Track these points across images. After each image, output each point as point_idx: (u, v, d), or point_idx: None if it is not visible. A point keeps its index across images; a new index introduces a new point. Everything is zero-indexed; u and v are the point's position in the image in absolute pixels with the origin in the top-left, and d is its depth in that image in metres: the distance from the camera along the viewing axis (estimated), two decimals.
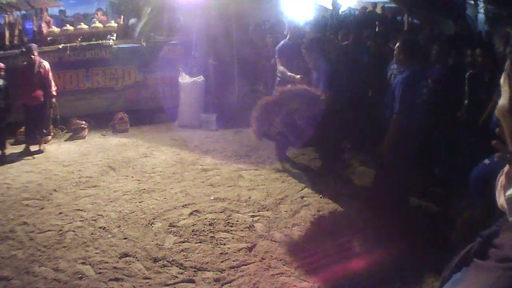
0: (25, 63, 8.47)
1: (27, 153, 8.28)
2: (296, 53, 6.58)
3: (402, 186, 4.83)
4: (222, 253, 4.26)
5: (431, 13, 9.79)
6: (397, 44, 4.88)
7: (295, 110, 5.51)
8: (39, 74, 8.16)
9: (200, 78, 9.45)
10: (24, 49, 8.90)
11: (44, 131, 8.56)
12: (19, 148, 8.58)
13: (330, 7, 13.32)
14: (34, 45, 8.49)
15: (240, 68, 9.50)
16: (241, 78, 9.45)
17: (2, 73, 8.12)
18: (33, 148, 8.35)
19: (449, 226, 4.43)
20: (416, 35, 7.87)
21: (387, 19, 11.88)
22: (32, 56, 8.11)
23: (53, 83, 8.35)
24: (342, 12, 12.28)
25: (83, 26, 10.60)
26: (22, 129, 9.07)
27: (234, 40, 9.59)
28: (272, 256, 4.16)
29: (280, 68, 6.92)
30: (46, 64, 8.33)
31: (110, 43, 10.06)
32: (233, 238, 4.52)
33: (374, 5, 13.65)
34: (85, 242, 4.80)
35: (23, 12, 11.58)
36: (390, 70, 6.13)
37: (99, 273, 4.20)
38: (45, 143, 8.52)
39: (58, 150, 8.42)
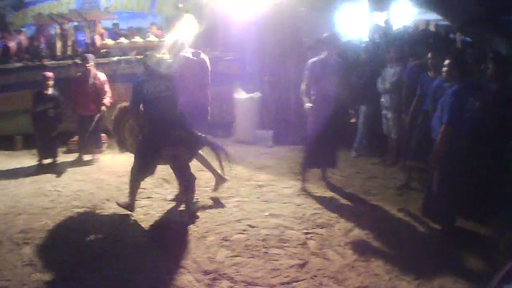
0: (79, 73, 8.83)
1: (79, 162, 8.67)
2: (330, 70, 6.46)
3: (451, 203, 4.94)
4: (273, 269, 4.34)
5: (483, 31, 9.72)
6: (448, 61, 5.09)
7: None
8: (94, 84, 8.51)
9: (257, 95, 9.67)
10: (80, 59, 9.31)
11: (97, 141, 8.92)
12: (71, 157, 8.96)
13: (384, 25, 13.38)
14: (90, 55, 8.87)
15: (295, 86, 9.54)
16: (296, 95, 9.54)
17: (51, 82, 8.46)
18: (86, 157, 8.76)
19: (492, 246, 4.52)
20: (466, 52, 7.90)
21: (441, 36, 11.83)
22: (88, 66, 8.47)
23: (108, 94, 8.67)
24: (396, 30, 12.28)
25: (138, 39, 11.09)
26: (75, 139, 9.47)
27: (289, 57, 9.73)
28: (324, 274, 4.22)
29: (302, 86, 6.68)
30: (102, 75, 8.69)
31: (165, 58, 10.46)
32: (285, 254, 4.61)
33: (427, 22, 13.58)
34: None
35: (75, 23, 12.07)
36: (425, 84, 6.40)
37: (149, 282, 4.34)
38: (98, 154, 8.88)
39: (112, 160, 8.73)
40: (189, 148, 5.89)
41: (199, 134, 5.95)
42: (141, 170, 5.87)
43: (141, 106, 5.77)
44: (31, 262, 4.82)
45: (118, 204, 5.99)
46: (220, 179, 6.59)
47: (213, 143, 6.27)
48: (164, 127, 5.62)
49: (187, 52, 6.54)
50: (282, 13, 9.65)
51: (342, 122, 6.80)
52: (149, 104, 5.65)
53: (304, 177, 6.81)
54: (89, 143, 8.87)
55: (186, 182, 5.88)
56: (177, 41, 7.44)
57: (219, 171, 6.56)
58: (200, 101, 6.58)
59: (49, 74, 8.56)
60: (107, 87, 8.68)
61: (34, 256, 4.96)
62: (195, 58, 6.49)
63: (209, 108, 6.75)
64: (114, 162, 8.61)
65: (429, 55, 6.53)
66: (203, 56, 6.65)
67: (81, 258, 4.85)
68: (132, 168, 5.92)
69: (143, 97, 5.64)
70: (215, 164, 6.57)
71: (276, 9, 9.62)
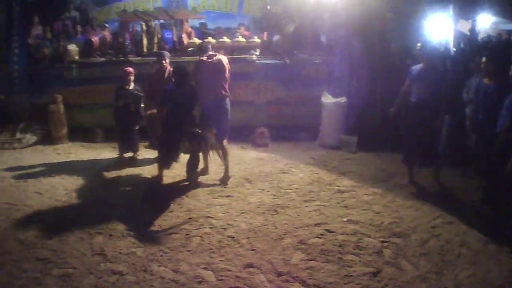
0: (154, 70, 9.01)
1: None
2: (429, 78, 6.94)
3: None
4: (347, 275, 4.41)
5: None
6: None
7: None
8: (168, 81, 8.50)
9: (343, 99, 9.72)
10: (155, 56, 9.44)
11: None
12: (153, 153, 9.08)
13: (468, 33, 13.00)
14: (166, 53, 9.05)
15: (382, 92, 9.61)
16: (383, 101, 9.50)
17: (132, 77, 8.76)
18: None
19: None
20: None
21: None
22: (163, 63, 8.61)
23: None
24: (481, 39, 11.94)
25: (225, 39, 11.29)
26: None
27: (376, 62, 9.76)
28: (395, 283, 4.27)
29: (402, 90, 7.37)
30: None
31: (254, 58, 10.68)
32: (360, 262, 4.68)
33: (510, 32, 13.08)
34: (211, 249, 5.11)
35: (161, 21, 12.39)
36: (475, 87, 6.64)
37: (220, 280, 4.45)
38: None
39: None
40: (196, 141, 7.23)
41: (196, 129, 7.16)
42: (164, 160, 7.35)
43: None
44: (102, 252, 5.07)
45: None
46: (205, 170, 7.72)
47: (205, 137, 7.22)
48: (177, 124, 7.07)
49: (205, 55, 7.49)
50: (370, 18, 9.68)
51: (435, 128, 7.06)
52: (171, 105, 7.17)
53: (411, 173, 7.24)
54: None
55: (194, 161, 7.36)
56: (200, 46, 8.00)
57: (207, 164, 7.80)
58: (216, 95, 7.44)
59: (130, 69, 8.90)
60: None
61: (105, 246, 5.21)
62: (211, 60, 7.42)
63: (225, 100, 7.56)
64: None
65: (483, 59, 6.53)
66: (219, 57, 7.53)
67: (153, 252, 5.06)
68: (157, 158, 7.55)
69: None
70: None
71: (365, 14, 9.65)
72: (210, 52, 7.65)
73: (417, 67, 7.19)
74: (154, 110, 8.23)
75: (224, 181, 7.45)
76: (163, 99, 7.36)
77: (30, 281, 4.52)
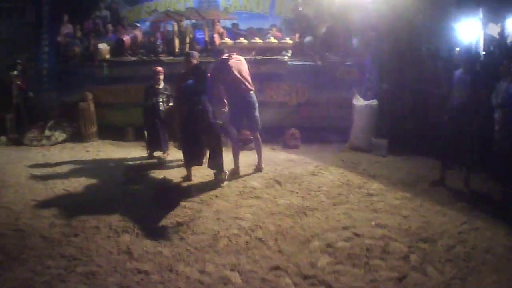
0: (183, 70, 8.89)
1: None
2: (467, 82, 7.07)
3: None
4: (372, 280, 4.47)
5: None
6: None
7: None
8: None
9: (374, 102, 9.74)
10: (184, 56, 9.35)
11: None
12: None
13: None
14: (194, 53, 8.81)
15: (413, 94, 9.66)
16: (413, 104, 9.60)
17: (162, 77, 8.92)
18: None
19: None
20: None
21: None
22: (191, 62, 8.44)
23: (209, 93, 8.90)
24: (510, 42, 11.76)
25: (257, 40, 11.40)
26: None
27: (407, 65, 9.76)
28: None
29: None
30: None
31: (285, 59, 10.82)
32: (386, 266, 4.72)
33: None
34: (238, 250, 5.16)
35: (193, 21, 12.50)
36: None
37: (246, 281, 4.50)
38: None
39: (225, 158, 8.77)
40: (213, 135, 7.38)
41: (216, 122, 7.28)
42: (189, 158, 7.58)
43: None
44: (128, 251, 5.17)
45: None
46: (234, 170, 7.78)
47: (227, 131, 7.38)
48: (193, 120, 7.26)
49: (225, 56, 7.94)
50: (400, 20, 9.70)
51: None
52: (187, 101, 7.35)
53: (443, 174, 7.34)
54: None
55: (216, 159, 7.39)
56: (217, 49, 8.18)
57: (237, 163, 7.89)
58: (245, 90, 7.84)
59: (160, 68, 9.09)
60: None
61: (132, 245, 5.31)
62: (233, 59, 7.83)
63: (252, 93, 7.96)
64: (226, 161, 8.49)
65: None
66: (238, 56, 8.08)
67: (179, 252, 5.14)
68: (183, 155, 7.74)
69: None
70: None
71: (395, 17, 9.68)
72: (227, 53, 7.98)
73: (457, 72, 7.31)
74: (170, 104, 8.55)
75: (259, 169, 7.94)
76: (183, 94, 7.52)
77: (53, 277, 4.61)
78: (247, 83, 7.80)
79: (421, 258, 4.90)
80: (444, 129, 7.45)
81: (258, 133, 7.97)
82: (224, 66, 7.68)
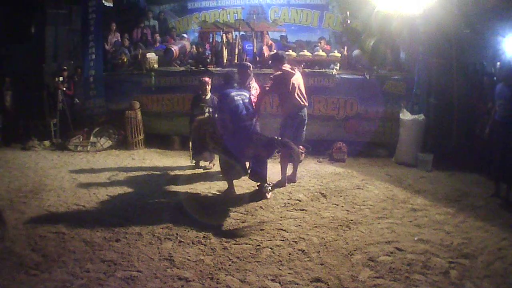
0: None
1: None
2: (508, 97, 7.23)
3: None
4: None
5: None
6: None
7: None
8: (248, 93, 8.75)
9: (421, 117, 9.80)
10: (238, 67, 9.38)
11: None
12: None
13: None
14: (247, 64, 8.91)
15: (459, 109, 9.68)
16: (460, 119, 9.64)
17: (209, 87, 9.05)
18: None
19: None
20: None
21: None
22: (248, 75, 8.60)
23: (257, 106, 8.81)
24: None
25: (306, 53, 11.55)
26: None
27: (454, 80, 9.78)
28: None
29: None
30: (255, 86, 8.66)
31: (334, 72, 10.91)
32: (426, 281, 4.78)
33: None
34: (280, 261, 5.19)
35: (242, 33, 12.57)
36: None
37: None
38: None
39: (271, 170, 8.76)
40: (266, 148, 7.30)
41: (274, 137, 7.24)
42: (231, 170, 7.55)
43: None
44: (170, 257, 5.26)
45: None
46: (281, 182, 7.88)
47: (286, 145, 7.19)
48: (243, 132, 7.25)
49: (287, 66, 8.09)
50: (448, 35, 9.74)
51: None
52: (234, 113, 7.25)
53: (497, 187, 7.50)
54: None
55: (261, 172, 7.50)
56: (278, 55, 8.36)
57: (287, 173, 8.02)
58: (304, 105, 8.12)
59: (207, 79, 9.25)
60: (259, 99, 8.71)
61: (174, 252, 5.40)
62: (294, 71, 7.99)
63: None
64: (275, 172, 8.72)
65: None
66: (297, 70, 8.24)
67: (221, 261, 5.21)
68: (222, 168, 7.78)
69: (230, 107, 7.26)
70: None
71: (443, 31, 9.72)
72: (287, 63, 8.15)
73: (499, 85, 7.45)
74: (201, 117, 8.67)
75: (292, 179, 8.33)
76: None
77: (91, 281, 4.70)
78: (305, 98, 8.10)
79: (461, 274, 4.94)
80: (489, 142, 7.56)
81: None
82: (287, 77, 7.83)
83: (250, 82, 8.28)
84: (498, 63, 9.70)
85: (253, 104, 7.77)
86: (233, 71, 8.18)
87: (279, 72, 7.92)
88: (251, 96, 7.82)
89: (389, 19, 10.80)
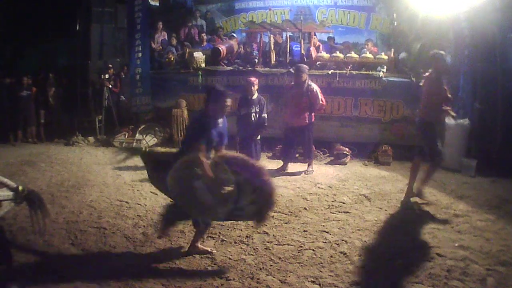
0: (293, 83, 9.43)
1: (282, 170, 9.43)
2: None
3: None
4: None
5: None
6: None
7: None
8: (306, 96, 9.04)
9: (466, 121, 9.85)
10: (293, 69, 9.89)
11: (309, 152, 9.54)
12: (276, 164, 9.74)
13: None
14: (304, 66, 9.42)
15: (504, 115, 9.66)
16: (504, 125, 9.62)
17: (256, 87, 9.15)
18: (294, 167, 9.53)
19: None
20: None
21: None
22: (301, 77, 9.05)
23: (319, 105, 9.18)
24: None
25: (353, 55, 11.74)
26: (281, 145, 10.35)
27: (499, 85, 9.75)
28: None
29: None
30: (315, 87, 9.14)
31: (381, 75, 11.07)
32: None
33: None
34: (322, 263, 5.31)
35: (289, 34, 12.78)
36: None
37: None
38: (310, 166, 9.49)
39: (316, 171, 9.39)
40: None
41: None
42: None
43: None
44: (211, 255, 5.43)
45: None
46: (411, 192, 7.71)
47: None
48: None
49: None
50: (493, 38, 9.75)
51: None
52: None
53: None
54: (293, 152, 9.70)
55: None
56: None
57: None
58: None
59: (253, 79, 9.32)
60: (319, 99, 9.17)
61: (215, 250, 5.58)
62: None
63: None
64: (318, 173, 9.29)
65: None
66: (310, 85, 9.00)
67: (263, 261, 5.37)
68: None
69: None
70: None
71: (488, 34, 9.74)
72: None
73: None
74: None
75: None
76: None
77: (132, 276, 4.91)
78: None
79: (497, 281, 5.04)
80: None
81: None
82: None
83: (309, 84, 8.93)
84: None
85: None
86: None
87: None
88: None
89: (435, 22, 10.91)
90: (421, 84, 7.63)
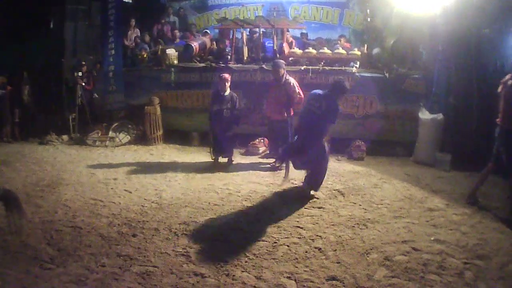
0: (272, 79, 9.35)
1: (271, 166, 9.27)
2: None
3: None
4: None
5: None
6: None
7: None
8: (284, 90, 8.92)
9: (440, 116, 9.79)
10: (268, 65, 9.95)
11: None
12: (249, 160, 9.68)
13: None
14: (281, 61, 9.33)
15: (478, 110, 9.60)
16: (479, 120, 9.55)
17: (228, 84, 9.13)
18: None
19: None
20: None
21: None
22: (279, 72, 8.91)
23: (298, 98, 8.98)
24: None
25: (326, 50, 11.65)
26: (255, 141, 10.45)
27: (473, 80, 9.71)
28: None
29: None
30: (292, 81, 9.03)
31: (353, 70, 10.99)
32: (441, 282, 4.80)
33: None
34: (297, 259, 5.27)
35: (262, 30, 12.61)
36: None
37: None
38: None
39: (289, 167, 8.98)
40: None
41: None
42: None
43: None
44: (186, 253, 5.35)
45: None
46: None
47: None
48: None
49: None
50: (468, 34, 9.68)
51: None
52: None
53: None
54: (277, 148, 9.39)
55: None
56: None
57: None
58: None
59: (226, 75, 9.32)
60: (296, 93, 9.00)
61: (190, 248, 5.49)
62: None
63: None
64: (292, 170, 8.87)
65: None
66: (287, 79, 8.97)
67: (238, 257, 5.29)
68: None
69: None
70: None
71: (462, 30, 9.66)
72: None
73: None
74: None
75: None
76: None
77: (107, 275, 4.81)
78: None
79: (475, 275, 4.96)
80: None
81: None
82: None
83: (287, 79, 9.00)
84: None
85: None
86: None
87: None
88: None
89: (409, 18, 10.82)
90: (499, 90, 7.20)
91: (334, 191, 7.83)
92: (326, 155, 7.44)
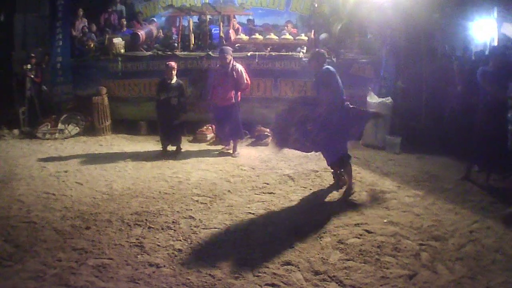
0: (218, 66, 9.26)
1: (221, 154, 9.19)
2: (497, 80, 6.89)
3: None
4: (383, 277, 4.46)
5: None
6: None
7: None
8: (232, 76, 8.82)
9: (388, 100, 9.76)
10: (214, 52, 9.88)
11: (237, 132, 9.26)
12: (197, 147, 9.52)
13: None
14: (228, 48, 9.23)
15: (428, 93, 9.62)
16: (428, 102, 9.58)
17: (175, 72, 9.00)
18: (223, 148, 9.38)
19: None
20: None
21: None
22: (226, 58, 8.78)
23: (245, 84, 8.99)
24: None
25: (272, 36, 11.53)
26: (203, 129, 10.31)
27: (423, 63, 9.72)
28: (430, 287, 4.32)
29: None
30: (239, 67, 8.95)
31: (300, 56, 10.87)
32: (397, 264, 4.72)
33: None
34: (250, 245, 5.18)
35: (209, 17, 12.44)
36: None
37: (257, 276, 4.49)
38: (235, 148, 9.23)
39: (238, 153, 9.20)
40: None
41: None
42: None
43: None
44: (140, 244, 5.20)
45: None
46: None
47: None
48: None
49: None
50: (417, 18, 9.63)
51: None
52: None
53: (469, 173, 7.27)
54: (226, 134, 9.37)
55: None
56: None
57: None
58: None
59: (173, 63, 9.17)
60: (244, 79, 8.96)
61: (143, 238, 5.34)
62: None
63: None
64: (241, 155, 9.10)
65: None
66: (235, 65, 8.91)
67: (192, 246, 5.16)
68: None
69: None
70: None
71: (411, 14, 9.62)
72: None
73: (485, 67, 7.17)
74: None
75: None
76: None
77: (64, 270, 4.63)
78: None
79: (432, 256, 4.90)
80: (476, 125, 7.36)
81: None
82: None
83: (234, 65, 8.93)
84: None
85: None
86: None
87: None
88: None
89: (358, 3, 10.76)
90: None
91: (283, 176, 7.72)
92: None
